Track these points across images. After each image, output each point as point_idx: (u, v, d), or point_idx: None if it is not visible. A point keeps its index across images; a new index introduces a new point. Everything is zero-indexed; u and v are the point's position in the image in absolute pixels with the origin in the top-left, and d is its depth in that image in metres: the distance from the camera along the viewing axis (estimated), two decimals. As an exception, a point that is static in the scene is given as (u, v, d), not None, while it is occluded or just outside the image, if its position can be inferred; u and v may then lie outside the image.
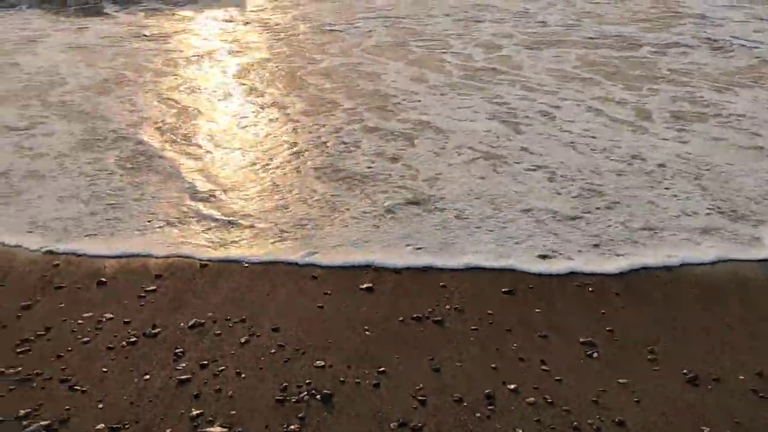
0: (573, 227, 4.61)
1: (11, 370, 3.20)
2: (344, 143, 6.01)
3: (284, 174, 5.43)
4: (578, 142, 6.03)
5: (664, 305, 3.78)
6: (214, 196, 5.06)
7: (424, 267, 4.15)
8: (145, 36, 9.89)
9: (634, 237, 4.48)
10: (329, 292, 3.90)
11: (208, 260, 4.20)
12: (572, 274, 4.07)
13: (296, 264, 4.18)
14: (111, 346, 3.39)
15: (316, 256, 4.26)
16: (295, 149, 5.89)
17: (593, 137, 6.15)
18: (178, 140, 6.11)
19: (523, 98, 7.22)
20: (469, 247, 4.38)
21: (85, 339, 3.43)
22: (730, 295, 3.87)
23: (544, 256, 4.26)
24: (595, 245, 4.38)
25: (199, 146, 6.00)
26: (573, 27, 10.43)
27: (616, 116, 6.63)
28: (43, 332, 3.47)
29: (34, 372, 3.19)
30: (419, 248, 4.35)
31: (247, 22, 10.89)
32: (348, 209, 4.87)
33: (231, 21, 11.01)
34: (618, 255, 4.28)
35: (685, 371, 3.24)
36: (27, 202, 4.96)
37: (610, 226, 4.62)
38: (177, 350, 3.36)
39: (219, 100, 7.24)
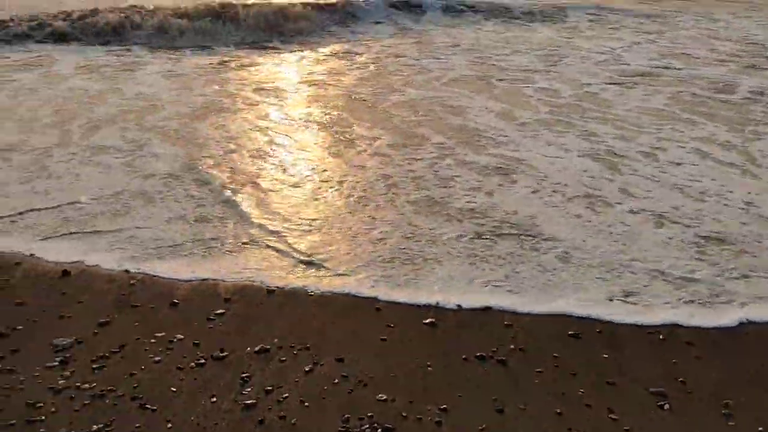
0: (685, 279, 4.47)
1: (86, 386, 3.33)
2: (439, 177, 6.06)
3: (378, 207, 5.48)
4: (684, 185, 5.89)
5: (740, 357, 3.64)
6: (289, 227, 5.17)
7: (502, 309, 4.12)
8: (242, 66, 10.27)
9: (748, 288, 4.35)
10: (392, 324, 3.92)
11: (276, 287, 4.28)
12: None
13: (375, 299, 4.21)
14: (180, 366, 3.48)
15: (382, 290, 4.30)
16: (388, 182, 5.96)
17: (699, 180, 6.00)
18: (266, 169, 6.28)
19: (618, 137, 7.13)
20: (570, 292, 4.30)
21: (157, 358, 3.54)
22: (812, 352, 3.70)
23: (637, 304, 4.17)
24: (714, 295, 4.26)
25: (286, 175, 6.14)
26: (660, 67, 10.33)
27: (722, 159, 6.46)
28: (118, 350, 3.60)
29: (108, 388, 3.31)
30: (509, 290, 4.32)
31: (333, 54, 11.20)
32: (441, 242, 4.88)
33: (318, 54, 11.32)
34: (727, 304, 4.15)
35: (761, 428, 3.10)
36: (127, 222, 5.18)
37: (727, 277, 4.48)
38: (243, 374, 3.43)
39: (305, 130, 7.41)
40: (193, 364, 3.51)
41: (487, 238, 4.94)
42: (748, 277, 4.46)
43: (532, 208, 5.44)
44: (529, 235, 4.99)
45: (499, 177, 6.03)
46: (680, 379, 3.45)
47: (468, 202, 5.54)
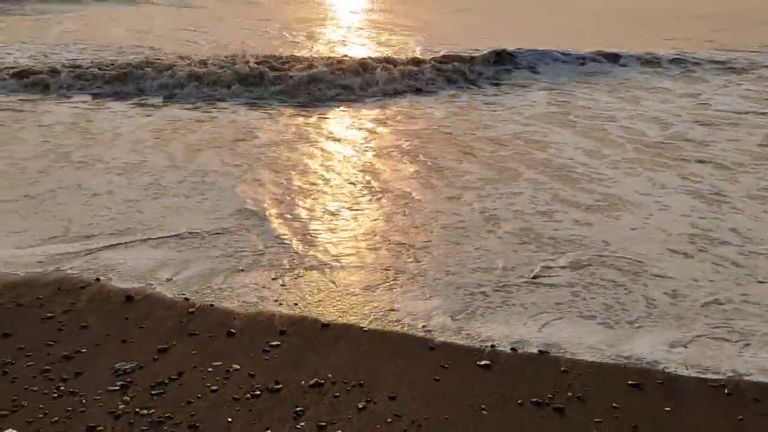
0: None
1: (145, 411, 3.39)
2: (539, 212, 6.14)
3: (479, 236, 5.55)
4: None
5: (812, 419, 3.47)
6: (341, 256, 5.22)
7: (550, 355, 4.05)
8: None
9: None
10: (446, 365, 3.88)
11: (330, 321, 4.30)
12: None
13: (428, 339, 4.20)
14: (236, 397, 3.52)
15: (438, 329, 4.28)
16: (485, 215, 6.07)
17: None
18: (356, 195, 6.41)
19: (719, 177, 7.05)
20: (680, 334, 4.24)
21: (214, 387, 3.59)
22: None
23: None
24: None
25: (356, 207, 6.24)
26: (748, 111, 10.18)
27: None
28: (176, 377, 3.67)
29: (166, 415, 3.37)
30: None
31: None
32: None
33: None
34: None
35: (838, 498, 2.94)
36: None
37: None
38: (297, 408, 3.44)
39: (395, 162, 7.56)
40: (248, 395, 3.55)
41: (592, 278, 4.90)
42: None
43: (638, 245, 5.42)
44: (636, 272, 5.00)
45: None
46: (747, 437, 3.31)
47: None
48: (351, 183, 6.96)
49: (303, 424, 3.34)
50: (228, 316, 4.34)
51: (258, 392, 3.57)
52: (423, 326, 4.29)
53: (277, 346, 4.02)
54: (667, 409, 3.52)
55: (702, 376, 3.82)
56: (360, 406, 3.48)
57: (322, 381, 3.68)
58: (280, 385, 3.63)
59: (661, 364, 3.92)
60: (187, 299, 4.51)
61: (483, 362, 3.92)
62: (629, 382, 3.74)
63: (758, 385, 3.74)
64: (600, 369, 3.87)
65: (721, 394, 3.66)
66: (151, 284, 4.71)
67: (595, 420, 3.43)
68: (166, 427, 3.29)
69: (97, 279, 4.74)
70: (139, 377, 3.66)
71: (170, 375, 3.68)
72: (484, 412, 3.48)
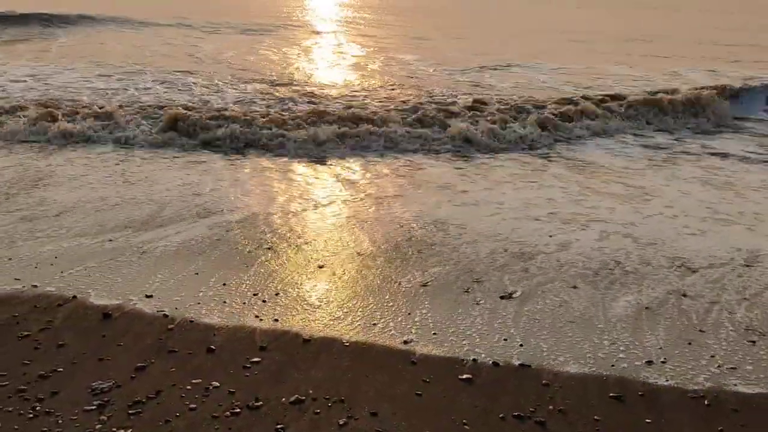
0: None
1: (122, 431, 3.33)
2: None
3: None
4: None
5: (791, 428, 3.49)
6: (318, 275, 5.21)
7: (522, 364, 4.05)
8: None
9: None
10: (427, 379, 3.86)
11: (311, 336, 4.27)
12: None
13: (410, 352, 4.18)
14: (216, 415, 3.47)
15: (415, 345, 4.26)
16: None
17: None
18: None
19: None
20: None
21: (192, 405, 3.54)
22: None
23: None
24: None
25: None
26: None
27: None
28: (154, 395, 3.61)
29: (144, 434, 3.32)
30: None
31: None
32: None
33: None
34: None
35: (817, 507, 2.95)
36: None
37: None
38: (278, 426, 3.40)
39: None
40: (228, 413, 3.50)
41: (524, 293, 4.89)
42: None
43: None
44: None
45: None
46: (727, 448, 3.32)
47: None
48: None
49: (284, 441, 3.31)
50: (208, 332, 4.29)
51: (238, 410, 3.53)
52: (404, 340, 4.27)
53: (258, 362, 3.98)
54: (647, 420, 3.53)
55: (682, 387, 3.84)
56: (341, 422, 3.45)
57: (303, 397, 3.65)
58: (261, 402, 3.59)
59: (642, 375, 3.94)
60: (166, 315, 4.46)
61: (464, 376, 3.90)
62: (610, 395, 3.74)
63: (738, 396, 3.76)
64: (581, 381, 3.88)
65: (701, 405, 3.68)
66: (131, 300, 4.65)
67: (577, 433, 3.43)
68: (143, 447, 3.24)
69: (74, 296, 4.67)
70: (117, 396, 3.60)
71: (148, 393, 3.62)
72: (465, 426, 3.46)
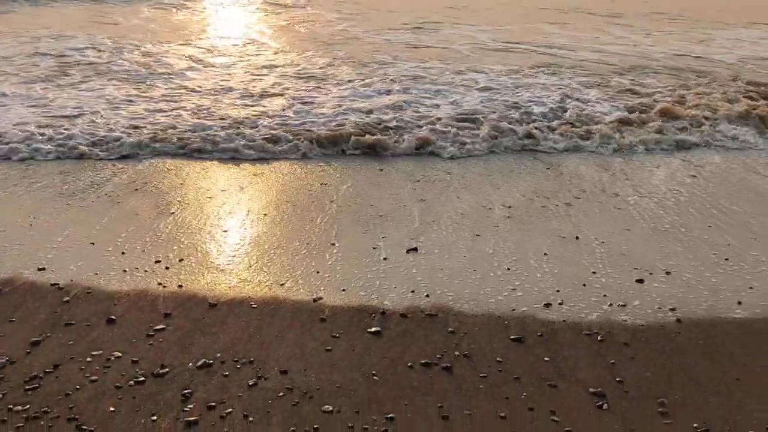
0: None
1: (19, 407, 3.19)
2: None
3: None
4: None
5: (674, 356, 3.77)
6: (225, 231, 5.11)
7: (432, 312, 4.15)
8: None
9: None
10: (337, 335, 3.90)
11: (217, 300, 4.21)
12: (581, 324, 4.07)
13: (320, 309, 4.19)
14: (119, 385, 3.37)
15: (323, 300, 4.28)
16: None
17: None
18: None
19: None
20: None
21: (94, 377, 3.42)
22: (737, 348, 3.86)
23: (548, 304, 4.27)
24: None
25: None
26: None
27: None
28: (52, 369, 3.47)
29: (42, 410, 3.18)
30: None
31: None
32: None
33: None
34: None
35: (696, 425, 3.22)
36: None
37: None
38: (185, 391, 3.35)
39: None
40: (132, 382, 3.41)
41: (430, 246, 4.99)
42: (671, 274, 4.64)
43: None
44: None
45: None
46: (618, 379, 3.55)
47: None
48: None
49: (191, 406, 3.26)
50: (107, 302, 4.14)
51: (142, 378, 3.44)
52: (314, 298, 4.27)
53: (162, 329, 3.89)
54: (546, 359, 3.72)
55: (577, 325, 4.05)
56: (250, 383, 3.44)
57: (211, 361, 3.60)
58: (166, 369, 3.52)
59: (540, 316, 4.13)
60: (60, 288, 4.26)
61: (373, 329, 3.96)
62: (511, 337, 3.91)
63: (629, 330, 4.02)
64: (485, 327, 4.02)
65: (594, 341, 3.91)
66: (22, 274, 4.41)
67: (481, 375, 3.56)
68: (42, 422, 3.11)
69: (-41, 273, 4.39)
70: (11, 372, 3.43)
71: (45, 368, 3.47)
72: (375, 377, 3.53)
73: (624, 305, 4.28)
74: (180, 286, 4.35)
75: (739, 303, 4.33)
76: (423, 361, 3.66)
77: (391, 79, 10.02)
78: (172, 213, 5.49)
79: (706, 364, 3.71)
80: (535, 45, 13.29)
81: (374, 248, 5.00)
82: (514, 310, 4.21)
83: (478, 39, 13.82)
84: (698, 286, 4.53)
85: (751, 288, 4.52)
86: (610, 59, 12.15)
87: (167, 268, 4.60)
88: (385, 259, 4.83)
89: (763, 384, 3.54)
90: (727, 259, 4.90)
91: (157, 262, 4.67)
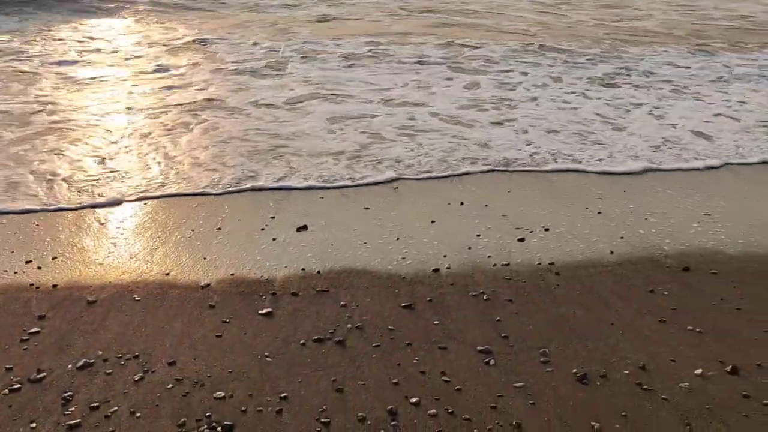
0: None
1: None
2: None
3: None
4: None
5: (553, 308, 3.97)
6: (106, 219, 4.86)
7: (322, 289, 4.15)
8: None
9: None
10: (227, 320, 3.82)
11: (96, 297, 4.01)
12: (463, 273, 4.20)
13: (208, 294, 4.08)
14: (-9, 395, 3.16)
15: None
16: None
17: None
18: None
19: None
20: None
21: (-38, 390, 3.19)
22: (611, 295, 4.11)
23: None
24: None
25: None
26: None
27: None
28: None
29: None
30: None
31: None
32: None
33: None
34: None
35: (575, 371, 3.41)
36: None
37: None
38: (65, 394, 3.18)
39: None
40: (6, 390, 3.20)
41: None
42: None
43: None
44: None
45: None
46: (503, 334, 3.70)
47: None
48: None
49: (73, 409, 3.10)
50: (-27, 309, 3.85)
51: (18, 386, 3.24)
52: (201, 285, 4.16)
53: (37, 332, 3.66)
54: (435, 322, 3.81)
55: (464, 288, 4.17)
56: (136, 378, 3.31)
57: (92, 360, 3.43)
58: (44, 374, 3.32)
59: (429, 282, 4.22)
60: None
61: (264, 311, 3.91)
62: (402, 305, 3.98)
63: (512, 287, 4.18)
64: (375, 297, 4.06)
65: (480, 301, 4.04)
66: None
67: (374, 345, 3.60)
68: None
69: None
70: None
71: None
72: (267, 358, 3.49)
73: (507, 264, 4.45)
74: (55, 286, 4.11)
75: (611, 252, 4.62)
76: (315, 338, 3.66)
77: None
78: (42, 210, 5.16)
79: (582, 312, 3.93)
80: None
81: (263, 229, 4.92)
82: (404, 278, 4.28)
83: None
84: (574, 240, 4.78)
85: (621, 237, 4.82)
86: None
87: (39, 267, 4.32)
88: (274, 239, 4.76)
89: (635, 327, 3.80)
90: (599, 213, 5.20)
91: (27, 262, 4.38)
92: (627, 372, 3.40)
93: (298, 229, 4.95)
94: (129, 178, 5.81)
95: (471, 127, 7.27)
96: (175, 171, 5.97)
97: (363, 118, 7.51)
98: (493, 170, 6.13)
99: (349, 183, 5.82)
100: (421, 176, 5.96)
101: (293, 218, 5.11)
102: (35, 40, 10.97)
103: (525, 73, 9.59)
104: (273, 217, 5.12)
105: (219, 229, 4.92)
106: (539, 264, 4.45)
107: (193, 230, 4.90)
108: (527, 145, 6.73)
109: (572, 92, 8.70)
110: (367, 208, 5.31)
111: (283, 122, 7.36)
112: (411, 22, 13.50)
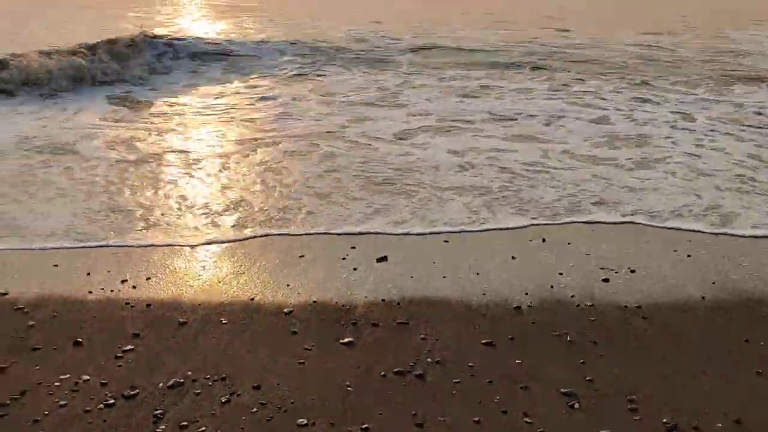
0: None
1: (-15, 437, 3.12)
2: None
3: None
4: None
5: (641, 353, 3.84)
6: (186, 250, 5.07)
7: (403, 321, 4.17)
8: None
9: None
10: (309, 347, 3.89)
11: (187, 318, 4.16)
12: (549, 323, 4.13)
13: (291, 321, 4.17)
14: (88, 408, 3.31)
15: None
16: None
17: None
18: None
19: None
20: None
21: (62, 402, 3.35)
22: (702, 342, 3.95)
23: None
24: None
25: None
26: None
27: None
28: (19, 396, 3.39)
29: (10, 438, 3.11)
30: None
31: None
32: (327, 263, 4.89)
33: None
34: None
35: (665, 420, 3.28)
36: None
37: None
38: (156, 412, 3.30)
39: None
40: (101, 405, 3.35)
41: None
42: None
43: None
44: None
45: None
46: (588, 377, 3.60)
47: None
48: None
49: (163, 427, 3.21)
50: (74, 325, 4.06)
51: (112, 401, 3.38)
52: (285, 312, 4.26)
53: (131, 350, 3.83)
54: (518, 361, 3.75)
55: (548, 328, 4.10)
56: (223, 400, 3.41)
57: (182, 380, 3.56)
58: (137, 391, 3.47)
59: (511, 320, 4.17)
60: (26, 312, 4.17)
61: (346, 340, 3.96)
62: (483, 341, 3.94)
63: (598, 330, 4.08)
64: (455, 332, 4.05)
65: (564, 341, 3.96)
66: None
67: (454, 381, 3.58)
68: (10, 451, 3.04)
69: None
70: (-24, 401, 3.35)
71: (12, 395, 3.39)
72: (349, 388, 3.53)
73: (591, 305, 4.35)
74: (148, 306, 4.30)
75: (703, 298, 4.44)
76: (396, 370, 3.67)
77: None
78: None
79: (672, 359, 3.79)
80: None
81: (344, 259, 5.00)
82: (484, 315, 4.25)
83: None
84: (662, 283, 4.63)
85: (713, 283, 4.63)
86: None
87: (134, 287, 4.54)
88: (355, 269, 4.83)
89: (729, 378, 3.63)
90: (689, 256, 5.03)
91: (123, 281, 4.61)
92: (720, 425, 3.25)
93: (378, 260, 5.00)
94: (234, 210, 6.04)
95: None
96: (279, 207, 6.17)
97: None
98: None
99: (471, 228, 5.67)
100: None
101: (373, 249, 5.17)
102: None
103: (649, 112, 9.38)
104: (354, 248, 5.20)
105: (302, 257, 5.04)
106: (625, 306, 4.33)
107: (277, 257, 5.03)
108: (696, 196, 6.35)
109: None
110: (446, 241, 5.32)
111: (401, 156, 7.47)
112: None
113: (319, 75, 11.91)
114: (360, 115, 9.13)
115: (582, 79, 11.51)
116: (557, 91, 10.84)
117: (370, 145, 7.82)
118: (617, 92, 10.64)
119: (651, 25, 17.83)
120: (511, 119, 8.95)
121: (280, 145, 7.82)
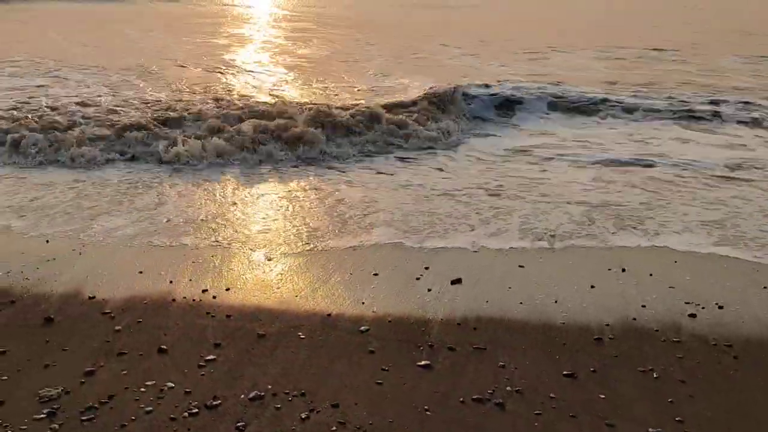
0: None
1: (76, 439, 3.21)
2: None
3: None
4: None
5: (733, 394, 3.67)
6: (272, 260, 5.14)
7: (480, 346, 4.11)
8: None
9: (695, 321, 4.40)
10: (387, 368, 3.87)
11: (266, 331, 4.21)
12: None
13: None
14: (173, 416, 3.38)
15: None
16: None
17: None
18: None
19: None
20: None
21: (148, 408, 3.43)
22: (802, 387, 3.75)
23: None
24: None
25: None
26: None
27: None
28: (107, 400, 3.48)
29: (99, 441, 3.20)
30: (476, 325, 4.32)
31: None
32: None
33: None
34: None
35: (761, 468, 3.12)
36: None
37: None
38: (239, 424, 3.34)
39: None
40: (186, 413, 3.41)
41: (475, 277, 4.96)
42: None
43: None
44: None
45: None
46: (677, 418, 3.46)
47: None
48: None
49: (246, 439, 3.25)
50: (158, 332, 4.16)
51: (196, 410, 3.44)
52: (360, 330, 4.26)
53: (213, 360, 3.90)
54: (602, 396, 3.64)
55: (631, 363, 3.97)
56: (303, 416, 3.42)
57: (262, 393, 3.59)
58: (219, 401, 3.52)
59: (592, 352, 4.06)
60: (112, 317, 4.30)
61: (423, 362, 3.93)
62: (564, 373, 3.84)
63: (686, 367, 3.92)
64: (535, 361, 3.96)
65: (650, 378, 3.82)
66: (73, 303, 4.46)
67: (535, 412, 3.50)
68: (100, 455, 3.13)
69: (12, 301, 4.45)
70: (67, 403, 3.46)
71: (100, 399, 3.49)
72: (427, 413, 3.49)
73: (678, 340, 4.19)
74: (228, 316, 4.37)
75: (797, 339, 4.23)
76: (475, 397, 3.61)
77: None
78: (219, 244, 5.55)
79: (765, 400, 3.61)
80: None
81: (417, 279, 4.98)
82: (564, 344, 4.15)
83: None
84: (753, 321, 4.43)
85: (807, 324, 4.41)
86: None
87: (215, 297, 4.62)
88: (429, 290, 4.80)
89: (828, 425, 3.43)
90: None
91: (204, 291, 4.70)
92: (823, 478, 3.07)
93: (453, 282, 4.96)
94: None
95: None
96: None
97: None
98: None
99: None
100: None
101: (446, 270, 5.13)
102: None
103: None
104: (427, 268, 5.17)
105: (376, 274, 5.04)
106: (715, 344, 4.16)
107: (351, 273, 5.05)
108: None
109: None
110: (521, 266, 5.24)
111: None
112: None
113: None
114: None
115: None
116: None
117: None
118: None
119: None
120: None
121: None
